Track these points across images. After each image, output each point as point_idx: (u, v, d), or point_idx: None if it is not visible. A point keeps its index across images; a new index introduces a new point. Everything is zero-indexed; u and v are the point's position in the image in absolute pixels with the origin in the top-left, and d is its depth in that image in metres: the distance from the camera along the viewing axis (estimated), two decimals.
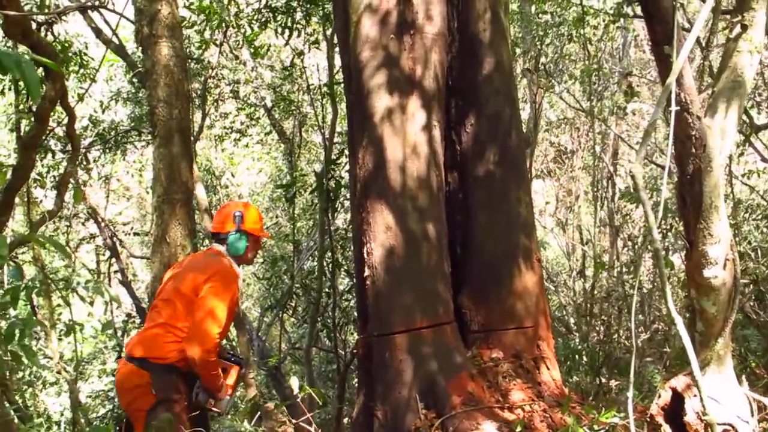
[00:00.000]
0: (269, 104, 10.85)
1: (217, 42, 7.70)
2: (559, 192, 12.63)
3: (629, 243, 7.78)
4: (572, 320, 9.31)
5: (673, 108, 2.08)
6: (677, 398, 2.38)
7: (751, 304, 6.68)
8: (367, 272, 4.07)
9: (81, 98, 6.75)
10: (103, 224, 10.08)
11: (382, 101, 4.08)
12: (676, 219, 6.68)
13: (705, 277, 2.26)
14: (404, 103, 4.09)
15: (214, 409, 3.83)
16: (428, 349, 3.91)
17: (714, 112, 2.27)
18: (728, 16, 2.55)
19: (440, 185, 4.21)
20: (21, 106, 6.65)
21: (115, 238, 10.22)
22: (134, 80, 8.35)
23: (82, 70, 7.61)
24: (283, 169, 13.15)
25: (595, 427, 3.44)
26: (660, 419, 2.45)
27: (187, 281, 3.67)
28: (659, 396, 2.47)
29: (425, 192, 4.07)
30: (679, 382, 2.38)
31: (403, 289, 3.97)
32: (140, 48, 5.40)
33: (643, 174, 2.00)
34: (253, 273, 11.01)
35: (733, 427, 2.29)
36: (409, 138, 4.06)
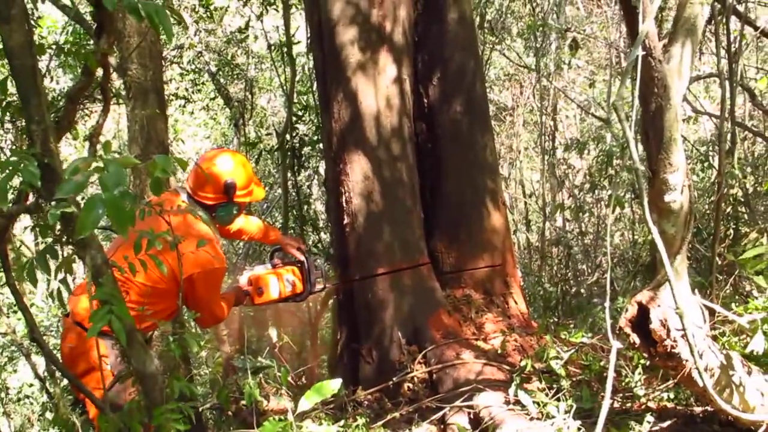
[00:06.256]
0: (213, 69, 10.75)
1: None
2: (500, 148, 13.02)
3: (575, 192, 8.21)
4: (519, 271, 9.71)
5: (640, 53, 2.38)
6: (642, 311, 2.67)
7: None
8: (347, 220, 4.28)
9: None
10: None
11: (355, 56, 4.25)
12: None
13: (666, 202, 2.54)
14: (376, 57, 4.27)
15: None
16: (407, 289, 4.17)
17: (671, 56, 2.59)
18: None
19: (411, 135, 4.43)
20: None
21: None
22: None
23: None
24: (228, 134, 13.03)
25: (565, 348, 3.81)
26: (628, 330, 2.74)
27: None
28: (626, 311, 2.77)
29: (398, 141, 4.28)
30: (644, 296, 2.67)
31: (382, 233, 4.20)
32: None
33: (623, 105, 2.30)
34: None
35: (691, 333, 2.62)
36: (382, 90, 4.25)
